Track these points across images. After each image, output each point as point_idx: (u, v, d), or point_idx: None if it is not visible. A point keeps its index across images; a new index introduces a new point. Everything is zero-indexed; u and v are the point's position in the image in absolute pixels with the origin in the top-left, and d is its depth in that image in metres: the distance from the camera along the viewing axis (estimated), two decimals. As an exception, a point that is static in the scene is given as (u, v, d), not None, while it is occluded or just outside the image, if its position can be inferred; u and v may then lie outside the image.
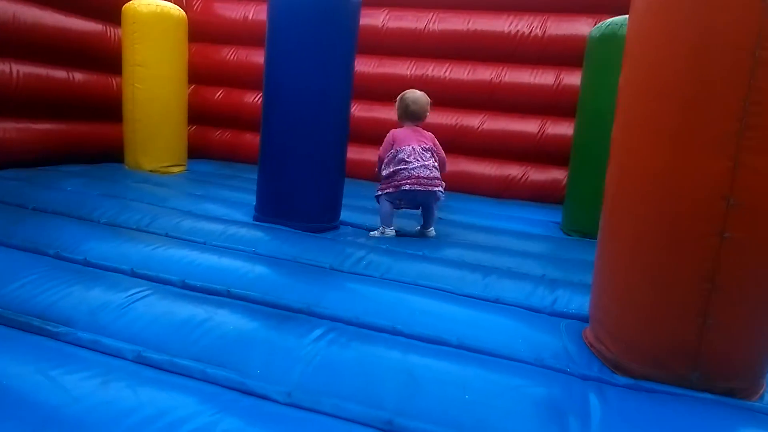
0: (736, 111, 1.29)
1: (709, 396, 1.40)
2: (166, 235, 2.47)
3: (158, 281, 1.94)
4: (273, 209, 2.72)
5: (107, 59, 4.10)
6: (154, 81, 3.83)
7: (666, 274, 1.41)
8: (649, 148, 1.45)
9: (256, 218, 2.82)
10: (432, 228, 2.90)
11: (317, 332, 1.54)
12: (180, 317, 1.61)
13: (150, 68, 3.81)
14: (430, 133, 2.87)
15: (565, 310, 1.95)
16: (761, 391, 1.47)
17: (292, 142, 2.60)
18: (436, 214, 2.94)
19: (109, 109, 4.15)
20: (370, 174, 4.39)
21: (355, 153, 4.37)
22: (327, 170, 2.67)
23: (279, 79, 2.61)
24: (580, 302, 1.98)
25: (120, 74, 3.97)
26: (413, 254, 2.46)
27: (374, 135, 4.45)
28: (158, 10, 3.82)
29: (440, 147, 2.85)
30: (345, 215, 3.03)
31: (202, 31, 4.76)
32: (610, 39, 2.85)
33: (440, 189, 2.75)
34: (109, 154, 4.21)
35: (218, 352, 1.47)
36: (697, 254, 1.36)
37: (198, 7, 4.83)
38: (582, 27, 3.94)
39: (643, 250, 1.46)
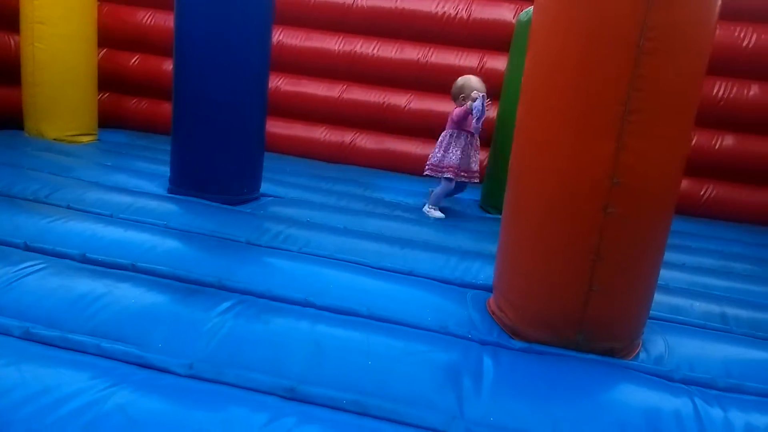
0: (621, 97, 1.39)
1: (591, 356, 1.53)
2: (68, 207, 2.31)
3: (55, 255, 1.82)
4: (188, 181, 2.61)
5: (2, 15, 3.71)
6: (57, 41, 3.52)
7: (557, 246, 1.52)
8: (546, 130, 1.54)
9: (170, 190, 2.70)
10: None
11: (225, 305, 1.52)
12: (76, 292, 1.53)
13: (52, 26, 3.49)
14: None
15: (474, 281, 2.05)
16: (637, 351, 1.63)
17: (205, 110, 2.50)
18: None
19: (5, 70, 3.77)
20: (300, 149, 4.34)
21: (282, 128, 4.29)
22: (244, 140, 2.59)
23: (189, 45, 2.49)
24: (488, 273, 2.08)
25: (18, 32, 3.61)
26: (334, 228, 2.47)
27: (301, 110, 4.39)
28: (62, -37, 3.49)
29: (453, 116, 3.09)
30: (269, 188, 2.97)
31: (115, -10, 4.42)
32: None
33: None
34: (8, 120, 3.84)
35: (116, 326, 1.42)
36: (585, 228, 1.47)
37: (110, -37, 4.47)
38: (505, 12, 4.05)
39: (537, 224, 1.56)
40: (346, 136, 4.30)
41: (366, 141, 4.28)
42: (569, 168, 1.48)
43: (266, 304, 1.59)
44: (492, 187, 3.33)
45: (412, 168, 4.22)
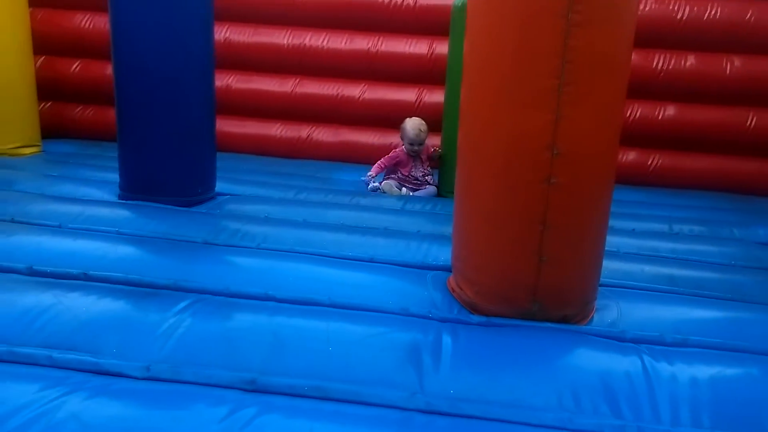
0: (555, 68, 1.44)
1: (547, 324, 1.58)
2: (12, 221, 2.22)
3: (-1, 270, 1.75)
4: (139, 185, 2.55)
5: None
6: (-13, 52, 3.36)
7: (506, 219, 1.56)
8: (488, 108, 1.57)
9: (121, 197, 2.62)
10: None
11: (181, 305, 1.50)
12: (22, 305, 1.48)
13: (-20, 37, 3.33)
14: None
15: (434, 262, 2.08)
16: (591, 315, 1.70)
17: (150, 112, 2.43)
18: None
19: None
20: (256, 146, 4.28)
21: (236, 126, 4.22)
22: (193, 140, 2.54)
23: (126, 43, 2.41)
24: (448, 254, 2.11)
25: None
26: (293, 221, 2.46)
27: (254, 107, 4.33)
28: (-15, -32, 3.33)
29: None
30: (225, 187, 2.92)
31: (48, -5, 4.23)
32: (471, 8, 3.00)
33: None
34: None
35: (68, 336, 1.38)
36: (530, 199, 1.51)
37: (40, -33, 4.28)
38: (451, -3, 4.10)
39: (487, 199, 1.59)
40: (302, 131, 4.27)
41: (323, 134, 4.26)
42: (512, 142, 1.52)
43: (224, 301, 1.58)
44: (448, 170, 3.38)
45: (371, 158, 4.23)
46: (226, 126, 4.14)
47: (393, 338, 1.44)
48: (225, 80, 4.17)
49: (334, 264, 1.99)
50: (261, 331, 1.42)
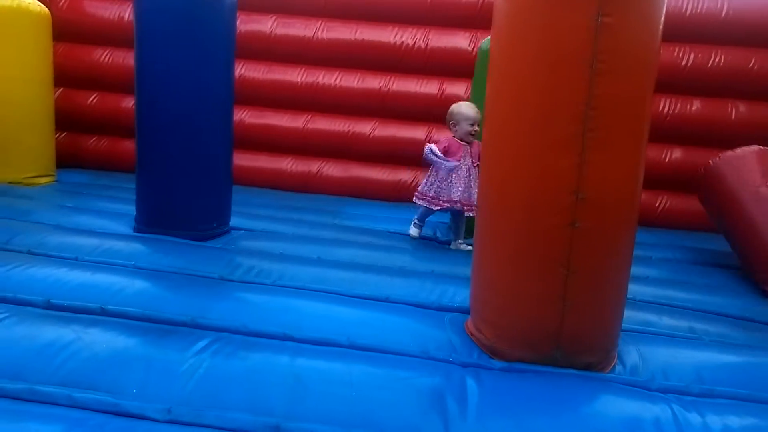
0: (580, 114, 1.47)
1: (570, 371, 1.56)
2: (29, 252, 2.22)
3: (17, 303, 1.74)
4: (155, 219, 2.56)
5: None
6: (11, 83, 3.43)
7: (529, 263, 1.56)
8: (511, 152, 1.60)
9: (136, 230, 2.63)
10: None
11: (201, 344, 1.49)
12: (42, 340, 1.46)
13: (5, 68, 3.41)
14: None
15: (450, 303, 2.07)
16: (613, 363, 1.68)
17: (169, 146, 2.47)
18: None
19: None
20: (267, 180, 4.32)
21: (248, 160, 4.27)
22: (210, 175, 2.57)
23: (150, 81, 2.47)
24: (464, 296, 2.10)
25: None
26: (307, 258, 2.46)
27: (266, 141, 4.39)
28: (15, 5, 3.43)
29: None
30: (239, 221, 2.93)
31: (71, 31, 4.35)
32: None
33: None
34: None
35: (88, 374, 1.36)
36: (554, 243, 1.52)
37: (64, 4, 4.41)
38: (460, 41, 4.20)
39: (509, 243, 1.60)
40: (313, 166, 4.32)
41: (333, 169, 4.31)
42: (536, 186, 1.54)
43: (243, 340, 1.56)
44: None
45: (380, 194, 4.27)
46: (238, 159, 4.17)
47: (416, 383, 1.42)
48: (239, 115, 4.24)
49: (350, 303, 1.98)
50: (283, 373, 1.40)
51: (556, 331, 1.55)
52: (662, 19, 1.55)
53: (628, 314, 1.92)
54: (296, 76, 4.34)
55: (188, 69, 2.44)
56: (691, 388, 1.50)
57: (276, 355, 1.48)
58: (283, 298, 1.95)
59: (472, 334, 1.77)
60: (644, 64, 1.53)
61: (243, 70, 4.30)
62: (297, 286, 2.10)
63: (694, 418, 1.32)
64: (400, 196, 4.25)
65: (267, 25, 4.35)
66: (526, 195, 1.56)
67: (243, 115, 4.28)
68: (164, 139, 2.48)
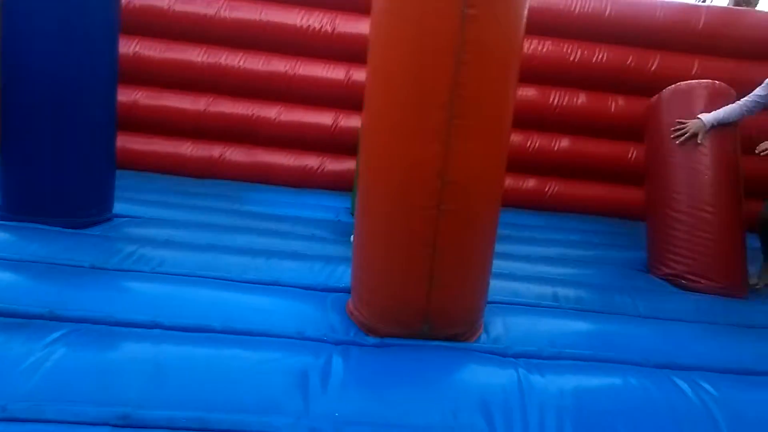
0: (445, 103, 1.54)
1: (437, 342, 1.66)
2: None
3: None
4: (23, 205, 2.35)
5: None
6: None
7: (399, 244, 1.62)
8: (384, 137, 1.65)
9: (1, 217, 2.41)
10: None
11: (53, 336, 1.40)
12: None
13: None
14: None
15: (336, 284, 2.10)
16: (479, 333, 1.80)
17: (38, 126, 2.26)
18: None
19: None
20: (165, 165, 4.11)
21: (142, 144, 4.05)
22: (86, 158, 2.39)
23: (14, 53, 2.24)
24: (350, 277, 2.15)
25: None
26: (196, 245, 2.38)
27: (163, 124, 4.17)
28: None
29: None
30: (125, 208, 2.78)
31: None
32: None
33: None
34: None
35: None
36: (421, 225, 1.59)
37: None
38: (367, 27, 4.23)
39: (382, 225, 1.65)
40: (215, 150, 4.18)
41: (236, 154, 4.20)
42: (405, 170, 1.59)
43: (105, 329, 1.49)
44: (355, 193, 3.45)
45: (286, 179, 4.22)
46: (130, 143, 3.96)
47: (285, 364, 1.44)
48: (132, 96, 4.01)
49: (234, 288, 1.95)
50: (142, 361, 1.36)
51: (424, 308, 1.64)
52: (525, 13, 1.65)
53: (500, 286, 2.07)
54: (197, 56, 4.16)
55: (58, 41, 2.24)
56: (542, 352, 1.65)
57: (137, 343, 1.43)
58: (161, 285, 1.88)
59: (351, 313, 1.82)
60: (508, 55, 1.62)
61: (137, 47, 4.06)
62: (180, 273, 2.04)
63: (536, 379, 1.45)
64: (307, 181, 4.23)
65: (165, 1, 4.12)
66: (397, 179, 1.61)
67: (137, 96, 4.05)
68: (32, 118, 2.27)
